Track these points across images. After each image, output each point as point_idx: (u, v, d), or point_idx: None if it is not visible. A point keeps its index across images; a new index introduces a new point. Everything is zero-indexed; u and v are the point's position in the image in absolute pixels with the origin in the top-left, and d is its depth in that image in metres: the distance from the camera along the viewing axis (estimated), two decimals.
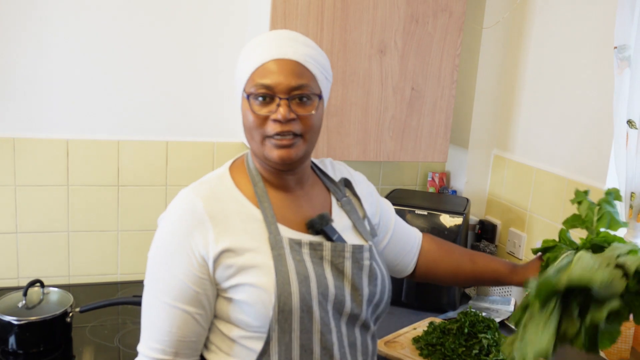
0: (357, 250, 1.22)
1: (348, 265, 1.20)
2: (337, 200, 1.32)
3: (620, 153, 1.69)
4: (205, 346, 1.20)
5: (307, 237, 1.20)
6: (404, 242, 1.48)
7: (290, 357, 1.12)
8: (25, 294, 1.78)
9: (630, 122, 1.65)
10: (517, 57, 2.29)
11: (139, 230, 2.22)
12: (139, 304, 1.88)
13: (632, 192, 1.66)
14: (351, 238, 1.26)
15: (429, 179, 2.53)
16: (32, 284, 1.82)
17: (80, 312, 1.80)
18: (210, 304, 1.16)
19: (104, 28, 2.07)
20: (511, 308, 2.03)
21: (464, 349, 1.69)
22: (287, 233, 1.18)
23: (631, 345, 1.69)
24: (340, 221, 1.28)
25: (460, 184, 2.46)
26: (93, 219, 2.17)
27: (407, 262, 1.48)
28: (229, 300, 1.14)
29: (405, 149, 2.12)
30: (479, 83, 2.36)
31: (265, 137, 1.16)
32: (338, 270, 1.19)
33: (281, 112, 1.14)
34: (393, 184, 2.53)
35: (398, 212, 2.09)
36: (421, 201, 2.19)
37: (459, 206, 2.16)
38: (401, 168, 2.54)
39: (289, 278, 1.12)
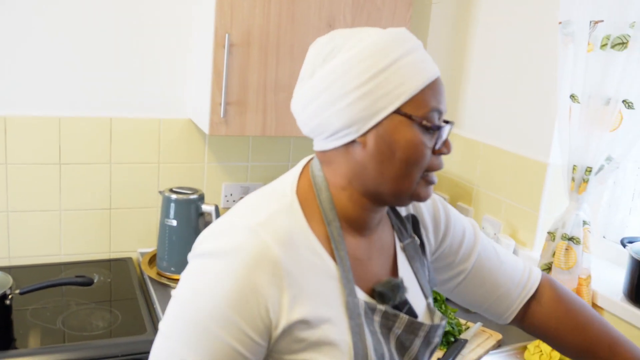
0: (433, 330, 1.01)
1: (417, 344, 1.00)
2: (400, 241, 1.06)
3: (563, 127, 1.73)
4: None
5: (380, 304, 0.97)
6: (496, 277, 1.16)
7: None
8: None
9: (573, 97, 1.68)
10: (465, 33, 2.30)
11: (82, 210, 2.16)
12: (82, 284, 1.86)
13: (574, 165, 1.70)
14: (416, 299, 1.04)
15: None
16: None
17: (21, 294, 1.74)
18: None
19: (44, 2, 1.98)
20: None
21: None
22: (361, 295, 0.95)
23: None
24: (404, 274, 1.04)
25: None
26: (33, 198, 2.09)
27: (504, 307, 1.18)
28: None
29: None
30: None
31: (424, 172, 0.92)
32: (403, 347, 0.99)
33: (450, 146, 0.93)
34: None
35: None
36: None
37: None
38: None
39: (367, 357, 0.91)
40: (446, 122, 0.94)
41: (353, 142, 0.91)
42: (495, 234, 2.02)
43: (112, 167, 2.17)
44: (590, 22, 1.62)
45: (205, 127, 1.95)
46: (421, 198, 0.95)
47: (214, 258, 0.86)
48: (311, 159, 1.01)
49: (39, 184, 2.09)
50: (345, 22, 1.99)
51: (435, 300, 1.79)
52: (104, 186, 2.17)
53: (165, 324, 0.88)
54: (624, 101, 1.58)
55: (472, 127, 2.27)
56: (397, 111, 0.88)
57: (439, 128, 0.91)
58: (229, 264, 0.85)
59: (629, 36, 1.54)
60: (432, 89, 0.90)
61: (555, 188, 1.90)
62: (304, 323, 0.87)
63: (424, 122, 0.89)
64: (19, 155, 2.04)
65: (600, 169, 1.66)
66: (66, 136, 2.08)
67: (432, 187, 0.95)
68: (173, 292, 0.90)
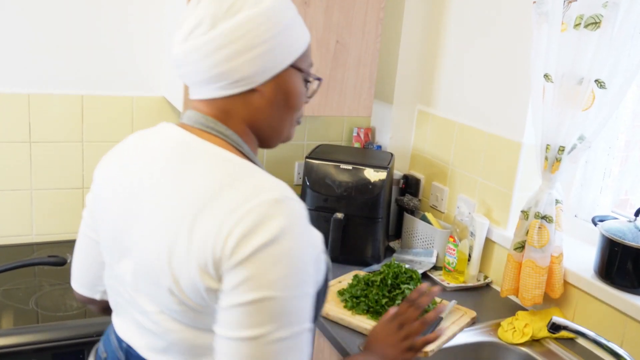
0: None
1: None
2: None
3: (537, 106, 1.74)
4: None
5: None
6: None
7: None
8: None
9: (546, 76, 1.69)
10: (441, 12, 2.30)
11: (54, 189, 2.13)
12: (55, 264, 1.83)
13: (548, 145, 1.71)
14: None
15: (354, 134, 2.54)
16: None
17: None
18: None
19: None
20: (433, 260, 2.08)
21: (387, 299, 1.72)
22: None
23: (544, 290, 1.76)
24: None
25: (385, 139, 2.48)
26: (3, 177, 2.05)
27: None
28: None
29: (329, 103, 2.10)
30: (403, 38, 2.36)
31: (298, 117, 1.10)
32: None
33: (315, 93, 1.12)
34: (319, 140, 2.52)
35: (322, 167, 2.10)
36: (346, 156, 2.20)
37: (384, 161, 2.18)
38: (327, 123, 2.53)
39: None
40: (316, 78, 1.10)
41: (253, 90, 1.00)
42: (470, 213, 2.04)
43: (85, 146, 2.13)
44: (564, 1, 1.63)
45: (179, 105, 1.92)
46: (290, 139, 1.11)
47: (282, 239, 0.89)
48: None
49: (9, 162, 2.05)
50: (321, 0, 1.97)
51: (411, 278, 1.80)
52: (76, 165, 2.14)
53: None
54: (596, 81, 1.59)
55: (447, 106, 2.28)
56: (292, 64, 1.02)
57: (320, 80, 1.08)
58: (296, 234, 0.91)
59: (602, 16, 1.55)
60: (309, 47, 1.06)
61: (529, 167, 1.92)
62: None
63: (309, 75, 1.06)
64: None
65: (572, 148, 1.68)
66: (36, 114, 2.05)
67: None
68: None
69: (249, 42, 0.97)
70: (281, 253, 0.89)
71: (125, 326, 1.10)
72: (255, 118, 1.03)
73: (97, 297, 1.22)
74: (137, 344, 1.07)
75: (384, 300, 1.72)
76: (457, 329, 1.71)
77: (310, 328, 0.94)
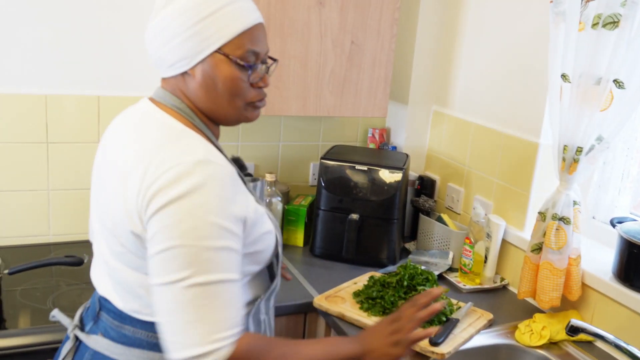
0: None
1: None
2: None
3: (554, 107, 1.72)
4: None
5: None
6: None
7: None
8: None
9: (564, 76, 1.68)
10: (456, 12, 2.29)
11: (71, 189, 2.14)
12: (72, 264, 1.84)
13: (565, 145, 1.69)
14: None
15: (370, 135, 2.53)
16: None
17: (10, 274, 1.73)
18: None
19: None
20: (449, 261, 2.07)
21: (403, 301, 1.71)
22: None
23: (561, 293, 1.75)
24: None
25: (400, 139, 2.47)
26: (21, 178, 2.07)
27: None
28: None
29: (345, 104, 2.10)
30: (418, 38, 2.35)
31: (247, 102, 1.18)
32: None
33: (267, 81, 1.19)
34: (333, 140, 2.51)
35: (337, 168, 2.09)
36: (361, 157, 2.19)
37: (399, 162, 2.17)
38: (342, 124, 2.52)
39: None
40: (272, 59, 1.21)
41: (186, 73, 1.14)
42: (486, 214, 2.03)
43: None
44: (582, 0, 1.61)
45: None
46: (249, 119, 1.21)
47: (195, 194, 1.02)
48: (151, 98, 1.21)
49: (26, 163, 2.07)
50: (336, 0, 1.97)
51: (427, 280, 1.79)
52: (92, 165, 2.15)
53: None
54: (614, 81, 1.57)
55: (463, 107, 2.27)
56: (218, 51, 1.11)
57: (251, 67, 1.14)
58: (209, 191, 1.03)
59: (621, 15, 1.53)
60: (250, 33, 1.13)
61: (546, 168, 1.90)
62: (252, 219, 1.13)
63: (239, 61, 1.12)
64: (5, 134, 2.02)
65: (590, 149, 1.66)
66: (53, 114, 2.06)
67: (259, 110, 1.22)
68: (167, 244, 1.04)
69: (171, 32, 1.10)
70: (192, 206, 1.02)
71: (99, 274, 1.27)
72: (193, 97, 1.16)
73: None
74: (106, 289, 1.22)
75: (400, 302, 1.71)
76: (474, 331, 1.69)
77: (233, 280, 1.06)
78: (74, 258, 1.85)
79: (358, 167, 2.09)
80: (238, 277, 1.08)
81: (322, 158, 2.14)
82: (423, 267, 1.85)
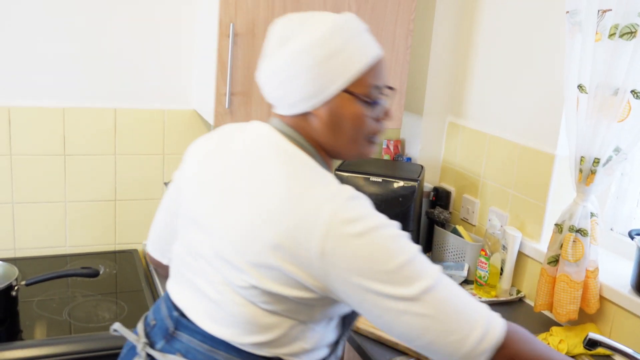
0: None
1: None
2: None
3: (570, 118, 1.71)
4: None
5: None
6: None
7: None
8: None
9: (580, 87, 1.66)
10: (471, 23, 2.28)
11: (87, 201, 2.16)
12: (88, 275, 1.86)
13: (582, 157, 1.68)
14: None
15: (384, 146, 2.53)
16: None
17: (27, 285, 1.74)
18: None
19: None
20: (464, 273, 2.05)
21: None
22: None
23: (579, 306, 1.73)
24: None
25: (415, 151, 2.46)
26: (38, 189, 2.09)
27: None
28: None
29: None
30: (433, 49, 2.34)
31: (368, 137, 1.15)
32: None
33: (390, 114, 1.18)
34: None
35: (352, 179, 2.09)
36: (376, 168, 2.19)
37: (414, 173, 2.16)
38: None
39: None
40: (390, 88, 1.16)
41: (309, 113, 1.10)
42: (501, 226, 2.01)
43: (117, 159, 2.16)
44: (598, 11, 1.60)
45: (210, 118, 1.94)
46: (366, 155, 1.17)
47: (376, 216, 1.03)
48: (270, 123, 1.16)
49: (44, 175, 2.09)
50: (351, 12, 1.97)
51: None
52: (109, 177, 2.17)
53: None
54: (632, 91, 1.56)
55: (478, 118, 2.26)
56: (344, 90, 1.08)
57: (377, 103, 1.12)
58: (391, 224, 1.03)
59: (638, 25, 1.52)
60: (373, 69, 1.10)
61: (563, 179, 1.89)
62: None
63: (365, 99, 1.09)
64: (24, 146, 2.04)
65: (608, 160, 1.64)
66: (70, 127, 2.08)
67: (375, 145, 1.18)
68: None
69: (293, 72, 1.06)
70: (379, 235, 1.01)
71: (184, 294, 1.18)
72: (316, 137, 1.13)
73: (165, 262, 1.38)
74: (195, 311, 1.14)
75: None
76: None
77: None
78: (89, 269, 1.86)
79: (373, 178, 2.09)
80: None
81: (336, 169, 2.14)
82: None
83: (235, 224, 1.06)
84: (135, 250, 2.23)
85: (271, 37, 1.11)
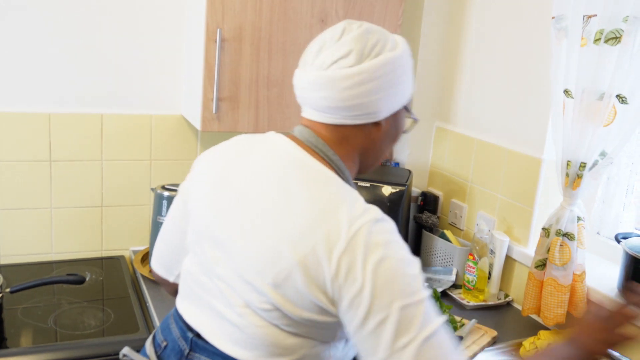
0: None
1: None
2: None
3: (557, 122, 1.72)
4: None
5: None
6: None
7: None
8: None
9: (566, 92, 1.67)
10: (458, 28, 2.29)
11: (74, 207, 2.14)
12: (74, 282, 1.84)
13: (569, 161, 1.69)
14: None
15: None
16: None
17: (11, 292, 1.72)
18: None
19: None
20: (453, 278, 2.05)
21: None
22: None
23: (566, 310, 1.73)
24: None
25: (403, 156, 2.47)
26: (24, 195, 2.07)
27: None
28: None
29: None
30: (420, 54, 2.35)
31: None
32: None
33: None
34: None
35: None
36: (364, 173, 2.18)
37: (401, 178, 2.16)
38: None
39: None
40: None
41: (377, 123, 1.11)
42: (489, 230, 2.01)
43: (104, 164, 2.15)
44: (584, 16, 1.62)
45: (197, 123, 1.93)
46: (381, 162, 1.26)
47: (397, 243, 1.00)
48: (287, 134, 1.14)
49: (29, 181, 2.07)
50: (338, 18, 1.98)
51: None
52: (95, 183, 2.15)
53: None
54: (617, 96, 1.57)
55: (466, 123, 2.26)
56: (405, 105, 1.15)
57: (416, 120, 1.21)
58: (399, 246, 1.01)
59: (623, 30, 1.53)
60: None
61: (550, 184, 1.90)
62: None
63: (413, 116, 1.20)
64: (9, 152, 2.02)
65: (594, 165, 1.65)
66: (56, 133, 2.07)
67: None
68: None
69: (387, 82, 1.07)
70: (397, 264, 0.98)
71: (200, 315, 1.13)
72: (369, 147, 1.13)
73: (172, 279, 1.33)
74: (213, 333, 1.10)
75: None
76: (478, 348, 1.68)
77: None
78: (75, 276, 1.84)
79: (360, 183, 2.09)
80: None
81: None
82: (426, 284, 1.84)
83: (259, 244, 1.02)
84: (122, 257, 2.22)
85: (350, 44, 1.06)
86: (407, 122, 1.21)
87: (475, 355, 1.65)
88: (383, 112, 1.09)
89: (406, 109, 1.16)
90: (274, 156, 1.09)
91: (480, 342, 1.71)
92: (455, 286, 2.07)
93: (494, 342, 1.75)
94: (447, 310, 1.78)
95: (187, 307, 1.17)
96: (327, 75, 1.05)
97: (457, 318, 1.81)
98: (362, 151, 1.13)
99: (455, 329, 1.71)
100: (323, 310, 1.00)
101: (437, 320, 0.96)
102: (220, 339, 1.09)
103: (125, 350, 1.24)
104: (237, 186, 1.09)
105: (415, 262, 1.00)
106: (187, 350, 1.13)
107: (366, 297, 0.94)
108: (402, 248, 1.00)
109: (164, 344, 1.18)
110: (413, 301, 0.94)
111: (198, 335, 1.12)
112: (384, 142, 1.15)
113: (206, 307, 1.12)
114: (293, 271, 0.97)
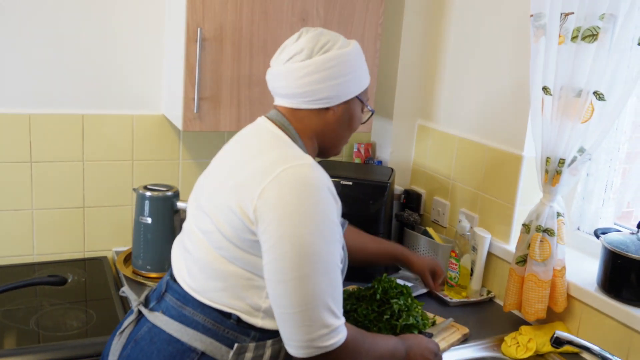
0: None
1: None
2: None
3: (536, 119, 1.74)
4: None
5: None
6: None
7: None
8: None
9: (545, 89, 1.69)
10: (439, 27, 2.31)
11: (55, 208, 2.13)
12: (55, 283, 1.83)
13: (548, 157, 1.71)
14: None
15: (355, 150, 2.54)
16: None
17: None
18: None
19: None
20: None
21: (375, 314, 1.69)
22: None
23: (547, 305, 1.75)
24: None
25: (386, 154, 2.48)
26: (5, 197, 2.05)
27: None
28: None
29: None
30: (402, 53, 2.36)
31: (349, 136, 1.43)
32: None
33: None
34: (318, 156, 2.51)
35: None
36: (347, 172, 2.19)
37: (384, 176, 2.17)
38: None
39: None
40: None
41: (328, 108, 1.33)
42: (471, 227, 2.03)
43: (85, 165, 2.14)
44: (561, 14, 1.63)
45: (178, 123, 1.93)
46: (339, 153, 1.48)
47: (313, 167, 1.22)
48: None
49: (10, 182, 2.05)
50: (319, 17, 1.98)
51: (401, 293, 1.76)
52: (76, 184, 2.14)
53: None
54: (595, 92, 1.59)
55: (447, 120, 2.28)
56: (358, 96, 1.37)
57: (373, 112, 1.48)
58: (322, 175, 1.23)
59: (599, 28, 1.55)
60: (368, 87, 1.41)
61: (530, 180, 1.91)
62: None
63: (368, 107, 1.43)
64: None
65: (573, 161, 1.67)
66: (37, 133, 2.05)
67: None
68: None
69: (334, 73, 1.29)
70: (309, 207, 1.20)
71: (178, 259, 1.39)
72: (323, 130, 1.35)
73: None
74: (179, 271, 1.36)
75: (372, 315, 1.68)
76: (446, 345, 1.69)
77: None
78: (57, 278, 1.83)
79: (343, 182, 2.09)
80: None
81: None
82: (399, 281, 1.82)
83: (214, 180, 1.32)
84: (105, 258, 2.20)
85: (304, 44, 1.29)
86: (367, 114, 1.43)
87: (443, 351, 1.65)
88: (333, 99, 1.31)
89: (359, 99, 1.37)
90: (250, 129, 1.38)
91: (450, 339, 1.71)
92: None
93: (464, 339, 1.75)
94: (418, 307, 1.75)
95: (176, 260, 1.40)
96: (285, 68, 1.30)
97: (430, 315, 1.81)
98: (319, 132, 1.35)
99: (425, 325, 1.70)
100: (248, 230, 1.20)
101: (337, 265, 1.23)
102: (182, 274, 1.34)
103: (125, 288, 1.60)
104: (219, 160, 1.38)
105: (335, 209, 1.22)
106: (163, 291, 1.37)
107: (280, 215, 1.17)
108: (326, 193, 1.20)
109: (154, 288, 1.44)
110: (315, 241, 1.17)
111: (174, 279, 1.36)
112: (339, 127, 1.36)
113: (182, 249, 1.37)
114: (230, 193, 1.23)
